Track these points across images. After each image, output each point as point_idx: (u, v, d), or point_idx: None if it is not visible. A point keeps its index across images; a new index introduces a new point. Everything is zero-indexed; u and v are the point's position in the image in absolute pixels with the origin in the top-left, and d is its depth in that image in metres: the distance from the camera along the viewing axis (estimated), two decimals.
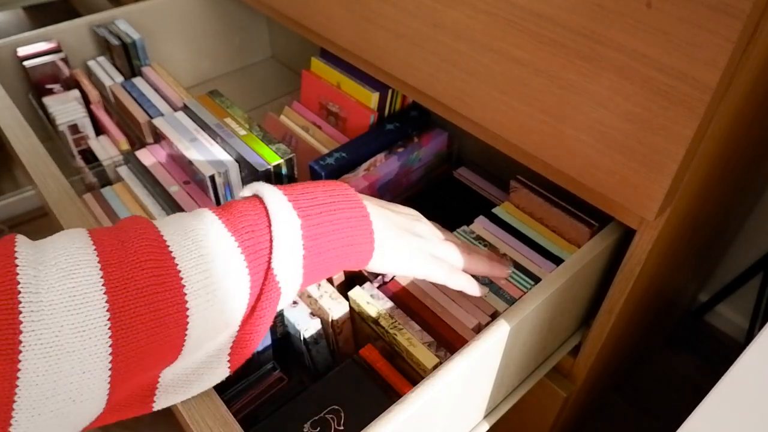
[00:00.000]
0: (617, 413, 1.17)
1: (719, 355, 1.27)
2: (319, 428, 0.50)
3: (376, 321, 0.57)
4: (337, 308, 0.58)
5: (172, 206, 0.70)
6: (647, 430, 1.15)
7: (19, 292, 0.33)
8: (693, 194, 0.56)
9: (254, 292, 0.42)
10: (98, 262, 0.36)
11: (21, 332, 0.32)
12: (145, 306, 0.36)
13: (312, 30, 0.78)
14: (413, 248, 0.51)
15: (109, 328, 0.35)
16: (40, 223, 1.62)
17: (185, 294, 0.38)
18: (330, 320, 0.58)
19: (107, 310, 0.35)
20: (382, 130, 0.80)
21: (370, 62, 0.71)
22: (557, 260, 0.62)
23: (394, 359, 0.57)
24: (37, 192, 0.68)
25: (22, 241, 0.37)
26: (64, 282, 0.35)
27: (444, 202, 0.77)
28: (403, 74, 0.67)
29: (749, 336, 1.15)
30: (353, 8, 0.68)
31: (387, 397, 0.53)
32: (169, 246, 0.39)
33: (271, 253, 0.42)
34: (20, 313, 0.32)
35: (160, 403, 0.43)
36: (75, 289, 0.34)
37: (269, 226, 0.42)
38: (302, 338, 0.59)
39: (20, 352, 0.32)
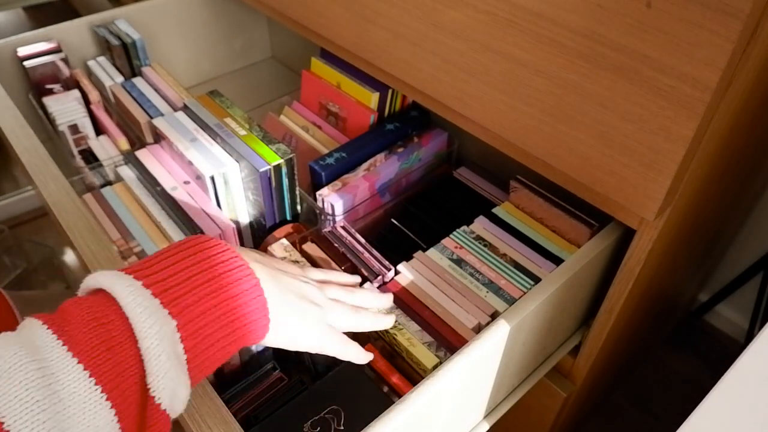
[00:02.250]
0: (617, 413, 1.17)
1: (719, 355, 1.27)
2: (319, 428, 0.50)
3: None
4: None
5: (172, 206, 0.70)
6: (647, 430, 1.15)
7: None
8: (693, 194, 0.56)
9: (129, 423, 0.33)
10: None
11: None
12: None
13: (312, 30, 0.78)
14: (308, 320, 0.45)
15: None
16: (40, 223, 1.62)
17: None
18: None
19: None
20: (382, 130, 0.80)
21: (370, 62, 0.71)
22: (557, 260, 0.62)
23: (394, 359, 0.57)
24: (37, 192, 0.68)
25: None
26: None
27: (444, 202, 0.77)
28: (403, 74, 0.67)
29: (749, 336, 1.15)
30: (353, 8, 0.68)
31: (387, 397, 0.53)
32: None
33: (143, 373, 0.33)
34: None
35: None
36: None
37: (132, 337, 0.33)
38: None
39: None
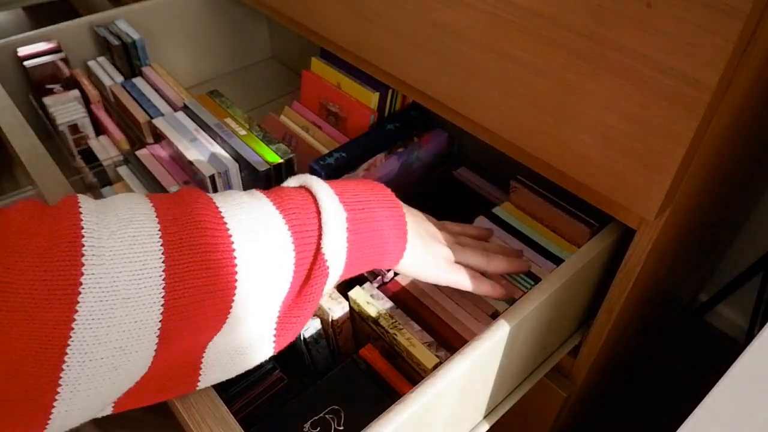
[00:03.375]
0: (617, 413, 1.17)
1: (719, 355, 1.27)
2: (319, 428, 0.50)
3: (376, 321, 0.57)
4: (337, 308, 0.58)
5: None
6: (647, 430, 1.15)
7: (83, 236, 0.34)
8: (693, 194, 0.56)
9: (299, 273, 0.43)
10: (155, 216, 0.38)
11: (83, 274, 0.33)
12: (197, 263, 0.37)
13: (312, 30, 0.78)
14: (439, 256, 0.53)
15: (163, 279, 0.36)
16: None
17: (235, 258, 0.39)
18: (330, 320, 0.58)
19: (162, 262, 0.36)
20: (382, 130, 0.80)
21: (370, 62, 0.71)
22: (557, 260, 0.62)
23: (394, 359, 0.57)
24: (37, 192, 0.68)
25: (83, 197, 0.39)
26: (124, 230, 0.36)
27: (444, 202, 0.77)
28: (403, 74, 0.67)
29: (749, 336, 1.15)
30: (353, 8, 0.67)
31: (387, 397, 0.53)
32: (222, 213, 0.40)
33: (320, 237, 0.44)
34: (83, 255, 0.33)
35: (204, 381, 0.44)
36: (134, 239, 0.36)
37: (317, 213, 0.44)
38: (302, 338, 0.59)
39: (80, 293, 0.33)
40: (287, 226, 0.42)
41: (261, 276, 0.41)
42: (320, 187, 0.46)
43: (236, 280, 0.39)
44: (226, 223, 0.40)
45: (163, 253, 0.36)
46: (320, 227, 0.44)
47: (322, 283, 0.44)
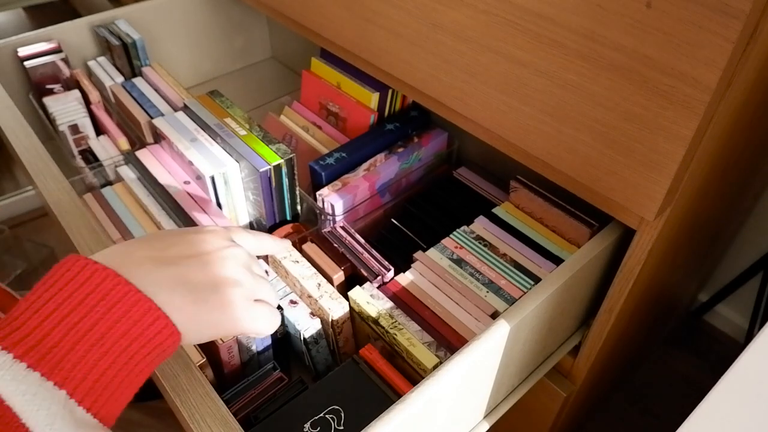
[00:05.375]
0: (617, 413, 1.17)
1: (719, 355, 1.27)
2: (319, 428, 0.50)
3: (376, 321, 0.57)
4: (337, 308, 0.59)
5: (172, 206, 0.70)
6: (647, 430, 1.15)
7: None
8: (693, 194, 0.56)
9: None
10: None
11: None
12: None
13: (312, 30, 0.78)
14: (212, 313, 0.38)
15: None
16: (40, 223, 1.62)
17: None
18: (330, 320, 0.58)
19: None
20: (382, 130, 0.80)
21: (370, 62, 0.71)
22: (557, 260, 0.62)
23: (394, 359, 0.57)
24: (37, 192, 0.68)
25: None
26: None
27: (444, 202, 0.77)
28: (403, 74, 0.67)
29: (749, 336, 1.15)
30: (353, 8, 0.68)
31: (387, 397, 0.53)
32: None
33: None
34: None
35: None
36: None
37: (22, 427, 0.29)
38: (302, 338, 0.59)
39: None
40: None
41: None
42: (1, 380, 0.29)
43: None
44: None
45: None
46: None
47: None
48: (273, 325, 0.42)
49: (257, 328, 0.41)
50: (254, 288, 0.41)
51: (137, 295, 0.34)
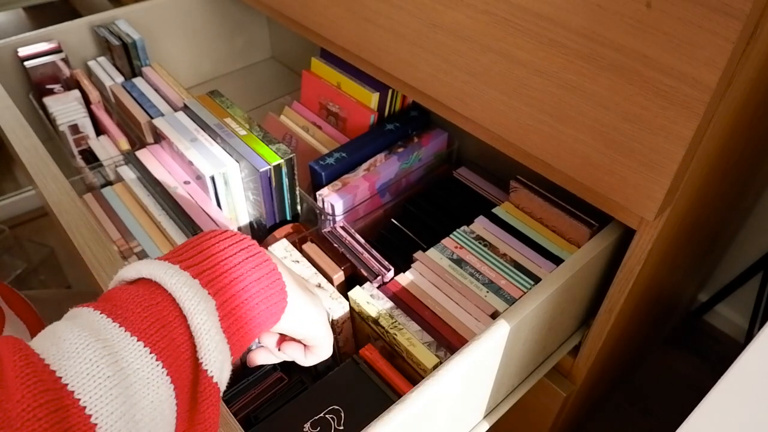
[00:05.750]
0: (617, 413, 1.17)
1: (719, 355, 1.27)
2: (319, 428, 0.50)
3: (376, 321, 0.57)
4: (337, 308, 0.59)
5: (172, 206, 0.70)
6: (647, 430, 1.15)
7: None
8: (693, 194, 0.56)
9: (183, 398, 0.34)
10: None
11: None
12: None
13: (312, 30, 0.78)
14: (318, 305, 0.46)
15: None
16: (40, 223, 1.62)
17: (91, 418, 0.29)
18: (330, 320, 0.58)
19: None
20: (382, 130, 0.80)
21: (370, 62, 0.71)
22: (557, 260, 0.62)
23: (394, 359, 0.57)
24: (37, 192, 0.68)
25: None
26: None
27: (444, 202, 0.77)
28: (403, 74, 0.67)
29: (749, 336, 1.15)
30: (353, 8, 0.68)
31: (387, 397, 0.53)
32: (62, 379, 0.30)
33: (194, 348, 0.35)
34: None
35: None
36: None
37: (181, 315, 0.35)
38: None
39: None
40: (153, 354, 0.33)
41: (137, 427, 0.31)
42: (173, 277, 0.36)
43: None
44: (73, 393, 0.29)
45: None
46: (190, 335, 0.35)
47: (215, 400, 0.36)
48: (331, 349, 0.49)
49: (329, 342, 0.48)
50: None
51: (267, 258, 0.41)
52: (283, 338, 0.48)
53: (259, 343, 0.50)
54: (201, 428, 0.36)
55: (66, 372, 0.30)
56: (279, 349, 0.48)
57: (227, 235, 0.41)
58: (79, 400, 0.29)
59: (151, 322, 0.34)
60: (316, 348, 0.47)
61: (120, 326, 0.33)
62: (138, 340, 0.33)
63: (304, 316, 0.44)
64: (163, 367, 0.33)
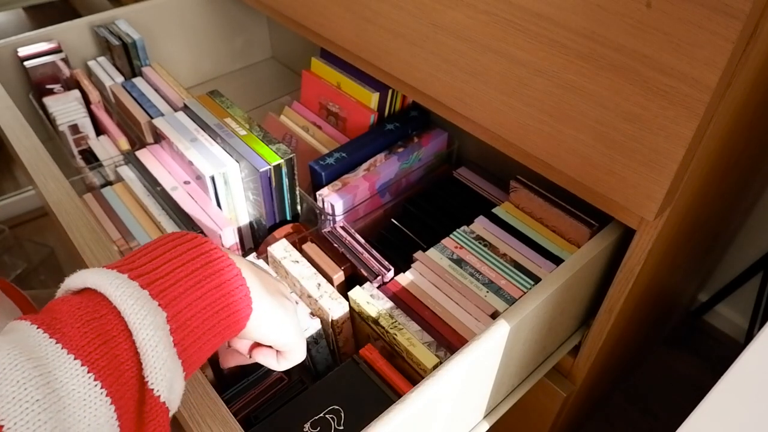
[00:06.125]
0: (617, 413, 1.17)
1: (719, 355, 1.27)
2: (319, 428, 0.50)
3: (376, 321, 0.57)
4: (337, 308, 0.58)
5: (172, 206, 0.70)
6: (647, 430, 1.15)
7: None
8: (693, 194, 0.56)
9: (127, 419, 0.32)
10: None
11: None
12: None
13: (312, 30, 0.78)
14: (288, 311, 0.44)
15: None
16: (40, 223, 1.62)
17: None
18: (330, 320, 0.58)
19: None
20: (382, 130, 0.80)
21: (370, 62, 0.71)
22: (557, 260, 0.62)
23: (394, 359, 0.57)
24: (37, 192, 0.68)
25: None
26: None
27: (444, 202, 0.77)
28: (403, 74, 0.67)
29: (749, 336, 1.15)
30: (353, 8, 0.68)
31: (387, 397, 0.53)
32: None
33: (140, 366, 0.32)
34: None
35: None
36: None
37: (126, 330, 0.32)
38: None
39: None
40: (86, 369, 0.30)
41: None
42: (118, 288, 0.33)
43: None
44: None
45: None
46: (136, 351, 0.32)
47: (163, 421, 0.34)
48: (304, 353, 0.47)
49: (302, 346, 0.46)
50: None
51: (230, 262, 0.38)
52: (256, 344, 0.46)
53: (229, 345, 0.48)
54: None
55: None
56: (250, 356, 0.46)
57: (184, 240, 0.38)
58: (3, 426, 0.27)
59: (91, 338, 0.31)
60: (288, 353, 0.45)
61: (57, 342, 0.30)
62: (75, 358, 0.30)
63: (272, 321, 0.42)
64: (102, 387, 0.30)
